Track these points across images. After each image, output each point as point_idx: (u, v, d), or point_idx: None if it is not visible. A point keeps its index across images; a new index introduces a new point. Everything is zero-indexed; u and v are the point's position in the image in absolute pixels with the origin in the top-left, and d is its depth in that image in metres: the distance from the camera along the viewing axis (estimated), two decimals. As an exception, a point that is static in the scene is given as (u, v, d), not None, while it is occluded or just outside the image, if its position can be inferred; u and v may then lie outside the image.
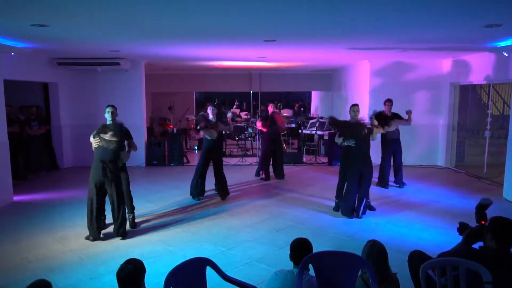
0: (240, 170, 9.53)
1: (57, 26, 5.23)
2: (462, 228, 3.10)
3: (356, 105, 6.28)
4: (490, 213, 3.00)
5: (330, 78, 14.90)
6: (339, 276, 2.91)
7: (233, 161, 10.73)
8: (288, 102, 19.44)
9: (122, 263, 2.66)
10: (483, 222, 2.98)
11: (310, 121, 12.40)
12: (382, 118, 7.28)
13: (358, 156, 5.98)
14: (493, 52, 7.54)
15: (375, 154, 7.27)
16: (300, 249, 3.11)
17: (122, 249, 4.95)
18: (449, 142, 10.02)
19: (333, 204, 6.57)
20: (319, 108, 17.22)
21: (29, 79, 8.95)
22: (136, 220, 5.89)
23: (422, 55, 9.05)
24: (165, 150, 10.58)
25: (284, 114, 13.62)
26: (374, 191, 7.21)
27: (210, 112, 7.05)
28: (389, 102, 7.84)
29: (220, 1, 3.96)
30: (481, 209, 3.02)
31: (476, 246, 2.96)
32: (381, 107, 7.87)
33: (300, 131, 12.18)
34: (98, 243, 5.17)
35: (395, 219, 6.09)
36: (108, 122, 5.32)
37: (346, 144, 6.00)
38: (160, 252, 4.88)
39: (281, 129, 8.95)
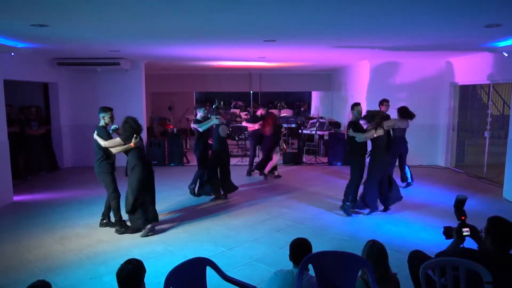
0: (240, 170, 9.51)
1: (57, 26, 5.23)
2: (448, 231, 3.14)
3: (359, 104, 6.35)
4: (491, 213, 3.01)
5: (330, 78, 14.91)
6: (339, 276, 2.91)
7: (233, 161, 10.69)
8: (287, 102, 19.45)
9: (122, 263, 2.67)
10: (463, 218, 3.06)
11: (310, 121, 12.40)
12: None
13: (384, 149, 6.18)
14: (493, 52, 7.55)
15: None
16: (300, 249, 3.11)
17: (122, 249, 4.95)
18: (449, 142, 10.02)
19: (333, 203, 6.56)
20: (319, 108, 17.22)
21: (29, 79, 8.94)
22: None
23: (422, 55, 9.04)
24: (165, 150, 10.57)
25: (283, 114, 13.64)
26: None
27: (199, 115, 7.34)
28: (386, 102, 7.71)
29: (220, 1, 3.96)
30: (459, 205, 3.08)
31: (473, 246, 2.97)
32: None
33: (300, 131, 12.18)
34: (98, 243, 5.18)
35: (395, 219, 6.09)
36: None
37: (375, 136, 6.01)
38: (160, 252, 4.88)
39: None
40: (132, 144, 5.22)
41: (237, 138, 12.53)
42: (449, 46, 7.42)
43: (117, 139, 5.28)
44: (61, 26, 5.25)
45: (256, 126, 8.75)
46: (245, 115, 15.86)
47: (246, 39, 6.42)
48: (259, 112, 9.09)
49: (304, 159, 10.94)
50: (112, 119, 5.51)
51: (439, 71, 10.02)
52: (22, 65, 8.20)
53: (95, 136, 5.40)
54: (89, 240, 5.27)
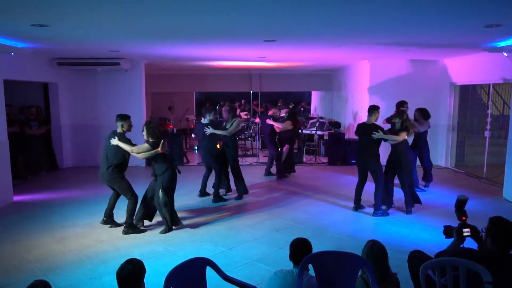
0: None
1: (57, 26, 5.23)
2: (448, 230, 3.14)
3: (379, 107, 6.37)
4: (491, 213, 3.01)
5: (330, 78, 14.90)
6: (339, 276, 2.91)
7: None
8: (288, 101, 19.46)
9: (122, 263, 2.66)
10: (464, 218, 3.07)
11: (310, 121, 12.40)
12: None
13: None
14: (493, 52, 7.54)
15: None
16: (300, 249, 3.11)
17: (122, 249, 4.95)
18: (449, 142, 10.02)
19: (333, 203, 6.56)
20: (319, 108, 17.22)
21: (29, 79, 8.94)
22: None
23: (422, 55, 9.04)
24: (165, 150, 10.56)
25: (283, 114, 13.62)
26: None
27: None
28: (406, 104, 7.57)
29: (220, 1, 3.96)
30: (460, 206, 3.09)
31: (473, 246, 2.97)
32: (381, 107, 7.84)
33: (300, 131, 12.16)
34: (98, 243, 5.18)
35: (395, 219, 6.09)
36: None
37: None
38: (160, 252, 4.88)
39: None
40: (159, 149, 5.28)
41: (237, 138, 12.54)
42: (449, 46, 7.42)
43: (145, 145, 5.32)
44: (61, 26, 5.24)
45: (289, 127, 8.79)
46: (245, 115, 15.87)
47: (246, 39, 6.42)
48: (271, 112, 9.17)
49: (304, 159, 10.94)
50: (130, 126, 5.54)
51: (439, 71, 10.01)
52: (22, 65, 8.20)
53: (116, 142, 5.34)
54: (89, 240, 5.27)
